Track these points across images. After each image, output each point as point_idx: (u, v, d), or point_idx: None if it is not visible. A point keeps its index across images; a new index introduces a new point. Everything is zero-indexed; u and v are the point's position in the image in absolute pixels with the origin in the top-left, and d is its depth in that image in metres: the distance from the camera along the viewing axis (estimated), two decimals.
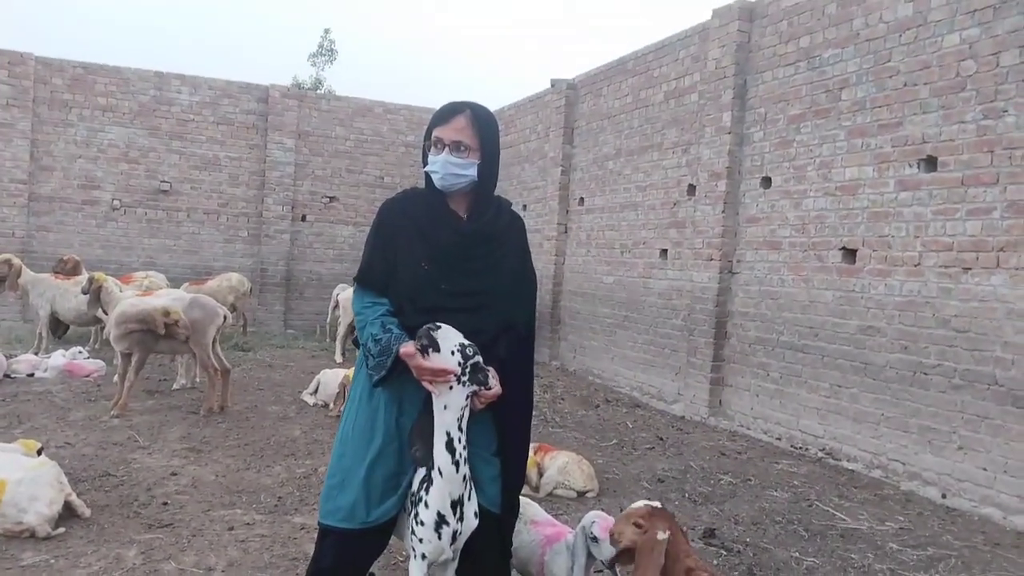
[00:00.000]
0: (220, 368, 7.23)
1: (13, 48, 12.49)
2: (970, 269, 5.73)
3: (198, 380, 8.22)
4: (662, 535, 2.78)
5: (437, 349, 2.39)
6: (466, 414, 2.47)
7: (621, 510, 5.02)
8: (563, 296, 11.79)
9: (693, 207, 8.76)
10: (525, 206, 13.19)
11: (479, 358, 2.45)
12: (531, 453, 5.52)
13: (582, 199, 11.33)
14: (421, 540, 2.46)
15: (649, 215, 9.70)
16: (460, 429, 2.45)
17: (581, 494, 5.28)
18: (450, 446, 2.43)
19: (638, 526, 2.87)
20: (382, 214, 2.69)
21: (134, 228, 13.40)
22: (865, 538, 4.79)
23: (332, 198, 14.57)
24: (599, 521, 3.19)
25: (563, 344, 11.73)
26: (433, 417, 2.47)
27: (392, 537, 2.70)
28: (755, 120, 7.91)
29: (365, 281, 2.64)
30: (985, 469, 5.53)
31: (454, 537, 2.47)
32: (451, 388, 2.42)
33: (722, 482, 5.90)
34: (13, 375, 8.30)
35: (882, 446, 6.33)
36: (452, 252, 2.60)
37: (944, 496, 5.69)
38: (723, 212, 8.13)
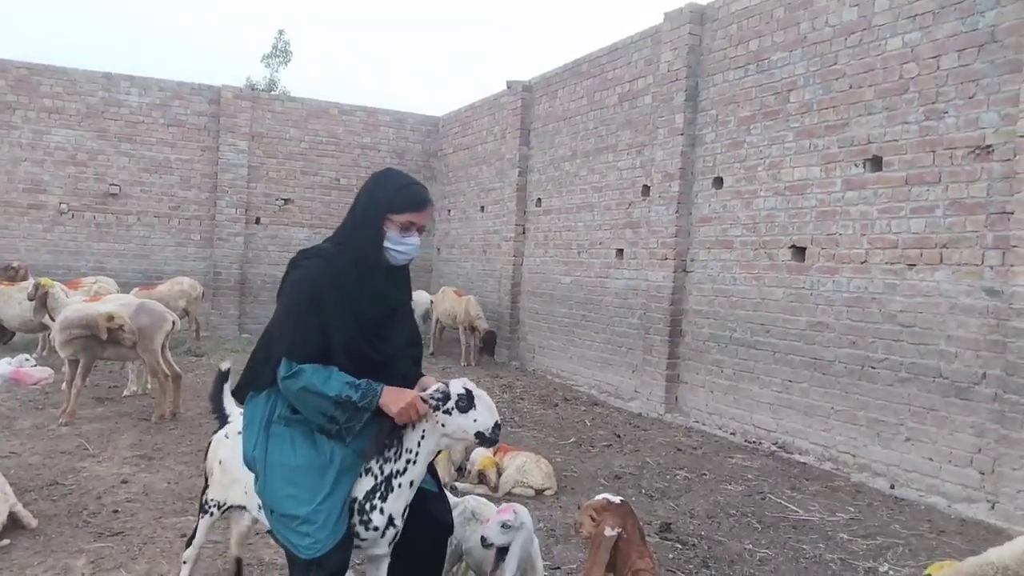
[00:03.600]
0: (171, 374, 7.10)
1: None
2: (914, 266, 5.90)
3: (149, 386, 8.06)
4: (609, 532, 2.78)
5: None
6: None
7: (579, 507, 5.07)
8: (521, 297, 11.83)
9: (647, 208, 8.86)
10: (483, 207, 13.22)
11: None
12: (490, 453, 5.55)
13: (539, 200, 11.38)
14: (364, 540, 2.60)
15: (605, 216, 9.78)
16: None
17: (539, 492, 5.31)
18: (429, 466, 2.63)
19: (592, 519, 2.89)
20: (315, 289, 2.58)
21: (82, 232, 13.08)
22: (816, 529, 4.90)
23: (287, 200, 14.41)
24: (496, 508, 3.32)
25: (522, 344, 11.77)
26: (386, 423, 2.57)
27: None
28: (707, 122, 8.03)
29: (301, 356, 2.54)
30: (931, 459, 5.69)
31: (394, 537, 2.64)
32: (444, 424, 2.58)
33: (678, 477, 5.99)
34: None
35: (832, 439, 6.48)
36: (378, 323, 2.68)
37: (892, 486, 5.84)
38: (677, 212, 8.24)
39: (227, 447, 2.97)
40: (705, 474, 6.09)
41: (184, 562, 3.35)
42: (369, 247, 2.64)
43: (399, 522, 2.61)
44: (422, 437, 2.59)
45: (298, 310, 2.59)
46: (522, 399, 8.94)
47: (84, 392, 7.11)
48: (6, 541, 4.00)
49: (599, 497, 3.01)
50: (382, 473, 2.59)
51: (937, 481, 5.63)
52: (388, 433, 2.58)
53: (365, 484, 2.60)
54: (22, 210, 12.71)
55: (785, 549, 4.53)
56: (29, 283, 9.23)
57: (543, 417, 8.04)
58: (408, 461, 2.58)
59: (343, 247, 2.67)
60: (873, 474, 6.06)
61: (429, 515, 2.76)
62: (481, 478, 5.40)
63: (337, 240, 2.72)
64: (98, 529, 4.32)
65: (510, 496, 5.20)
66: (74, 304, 7.34)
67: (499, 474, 5.42)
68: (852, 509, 5.34)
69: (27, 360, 9.24)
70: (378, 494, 2.57)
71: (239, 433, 2.84)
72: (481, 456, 5.53)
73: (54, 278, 9.42)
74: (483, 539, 3.03)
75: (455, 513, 3.62)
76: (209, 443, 3.17)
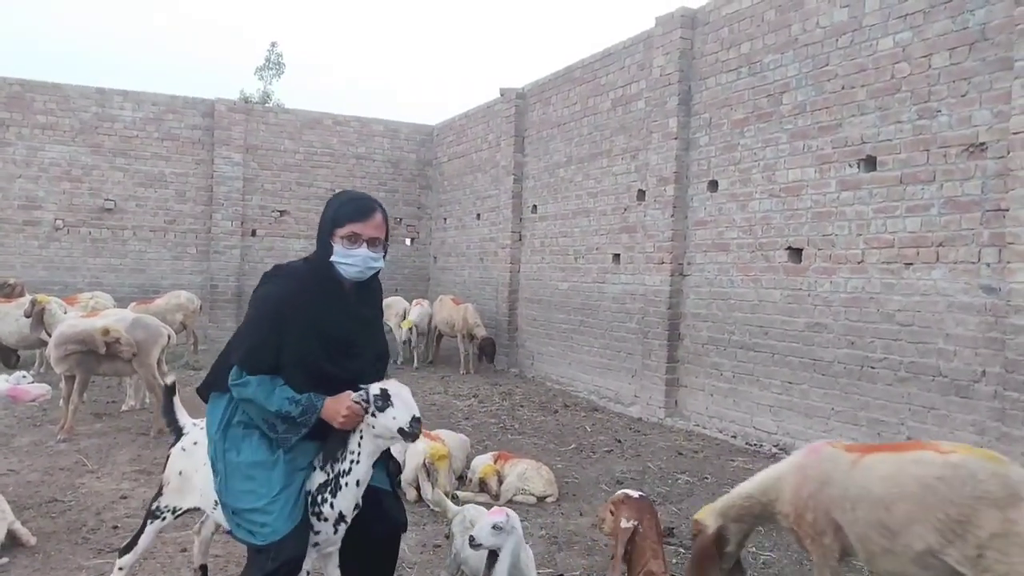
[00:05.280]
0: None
1: None
2: (911, 264, 5.90)
3: (147, 401, 8.02)
4: (625, 524, 2.91)
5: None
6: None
7: (581, 514, 5.07)
8: (519, 304, 11.82)
9: (643, 212, 8.87)
10: (479, 215, 13.23)
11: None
12: (490, 461, 5.54)
13: (535, 207, 11.39)
14: (318, 532, 2.73)
15: (601, 221, 9.79)
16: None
17: (541, 499, 5.29)
18: (376, 464, 2.73)
19: (612, 513, 3.05)
20: (278, 304, 2.68)
21: (78, 248, 13.07)
22: None
23: (282, 212, 14.42)
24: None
25: (520, 351, 11.75)
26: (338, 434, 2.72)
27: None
28: (700, 125, 8.05)
29: (252, 367, 2.66)
30: None
31: (344, 531, 2.78)
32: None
33: (679, 481, 5.97)
34: None
35: (833, 440, 6.45)
36: (342, 339, 2.75)
37: None
38: (672, 216, 8.24)
39: (186, 459, 3.14)
40: (707, 478, 6.08)
41: (120, 568, 3.29)
42: (323, 265, 2.73)
43: (349, 519, 2.74)
44: (361, 438, 2.69)
45: (258, 324, 2.71)
46: (522, 406, 8.92)
47: (82, 408, 7.08)
48: (5, 559, 3.97)
49: (620, 491, 3.18)
50: (333, 471, 2.71)
51: None
52: (340, 442, 2.71)
53: (318, 478, 2.73)
54: (17, 227, 12.70)
55: (789, 552, 4.52)
56: (25, 300, 9.21)
57: (543, 424, 8.02)
58: (352, 461, 2.70)
59: (311, 266, 2.78)
60: None
61: (383, 512, 2.87)
62: (482, 486, 5.38)
63: (311, 259, 2.81)
64: (98, 545, 4.30)
65: (511, 504, 5.18)
66: (69, 320, 7.31)
67: (500, 482, 5.40)
68: None
69: (24, 377, 9.18)
70: (328, 489, 2.70)
71: (195, 444, 3.07)
72: (482, 464, 5.52)
73: (50, 294, 9.39)
74: (471, 539, 3.03)
75: (455, 522, 3.61)
76: (168, 455, 3.23)
